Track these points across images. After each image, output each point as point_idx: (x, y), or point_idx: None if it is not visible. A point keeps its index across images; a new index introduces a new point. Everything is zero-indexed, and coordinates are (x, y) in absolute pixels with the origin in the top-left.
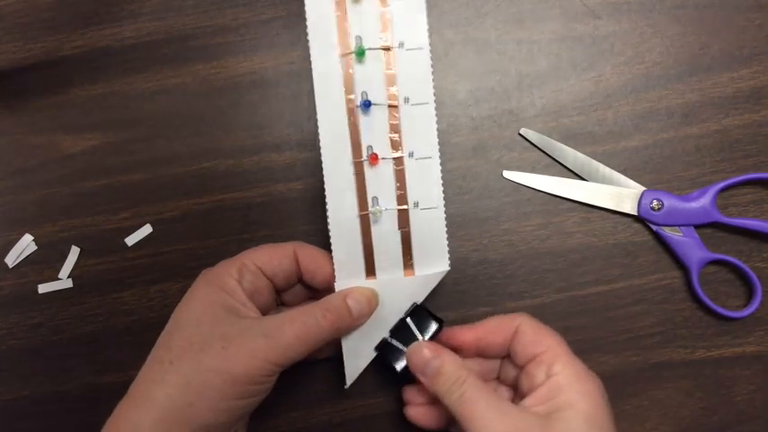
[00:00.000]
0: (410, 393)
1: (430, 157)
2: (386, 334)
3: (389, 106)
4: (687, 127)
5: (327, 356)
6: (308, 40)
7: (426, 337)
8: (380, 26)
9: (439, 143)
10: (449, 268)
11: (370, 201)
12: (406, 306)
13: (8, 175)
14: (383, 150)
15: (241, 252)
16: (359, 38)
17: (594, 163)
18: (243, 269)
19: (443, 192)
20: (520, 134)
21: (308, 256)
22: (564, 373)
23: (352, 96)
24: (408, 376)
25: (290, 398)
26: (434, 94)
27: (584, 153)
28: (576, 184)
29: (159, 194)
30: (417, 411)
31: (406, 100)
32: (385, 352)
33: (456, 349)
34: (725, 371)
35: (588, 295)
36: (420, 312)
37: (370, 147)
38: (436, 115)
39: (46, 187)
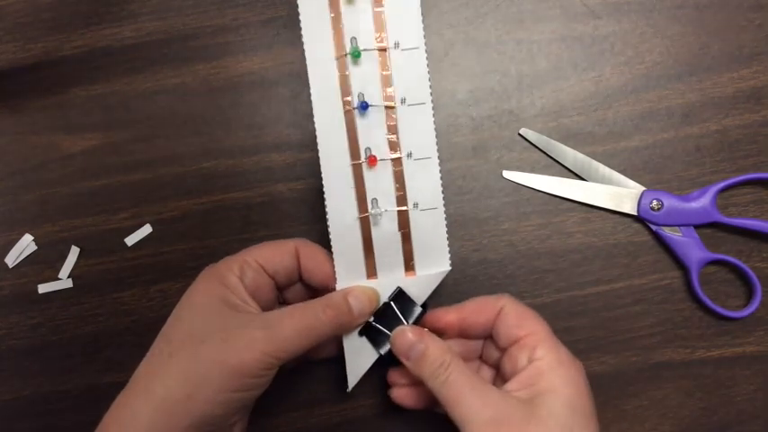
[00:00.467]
0: (394, 375)
1: (429, 158)
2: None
3: (386, 107)
4: (687, 127)
5: (328, 357)
6: (302, 43)
7: (410, 321)
8: (375, 27)
9: (439, 143)
10: (450, 268)
11: (369, 203)
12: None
13: (8, 175)
14: (382, 152)
15: (243, 250)
16: (354, 39)
17: (594, 163)
18: (244, 266)
19: (443, 192)
20: (520, 134)
21: (309, 254)
22: (546, 358)
23: (348, 98)
24: (393, 360)
25: (290, 398)
26: (434, 95)
27: (584, 153)
28: (575, 184)
29: (159, 194)
30: (401, 393)
31: (403, 101)
32: (369, 336)
33: (439, 331)
34: (725, 371)
35: (588, 295)
36: (404, 297)
37: (368, 149)
38: (436, 115)
39: (46, 187)
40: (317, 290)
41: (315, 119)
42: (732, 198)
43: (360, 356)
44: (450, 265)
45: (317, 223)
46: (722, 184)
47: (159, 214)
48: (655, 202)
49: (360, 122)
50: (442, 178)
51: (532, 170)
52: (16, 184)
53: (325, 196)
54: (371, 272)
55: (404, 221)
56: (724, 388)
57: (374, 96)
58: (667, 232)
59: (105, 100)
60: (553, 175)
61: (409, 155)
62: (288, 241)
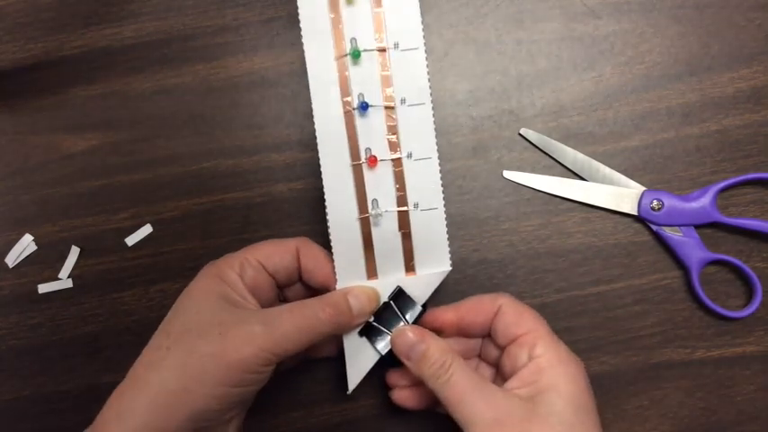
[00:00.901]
0: (394, 377)
1: (429, 158)
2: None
3: (386, 108)
4: (687, 127)
5: (327, 356)
6: (302, 44)
7: (411, 321)
8: (375, 27)
9: (439, 143)
10: (450, 268)
11: (369, 203)
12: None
13: (8, 175)
14: (382, 152)
15: (244, 248)
16: (354, 40)
17: (594, 163)
18: (245, 264)
19: (443, 192)
20: (520, 134)
21: (309, 254)
22: (546, 355)
23: (348, 99)
24: (394, 360)
25: (290, 398)
26: (434, 95)
27: (584, 153)
28: (576, 184)
29: (159, 194)
30: (402, 394)
31: (403, 101)
32: (369, 336)
33: (437, 330)
34: (725, 371)
35: (588, 295)
36: (404, 296)
37: (368, 149)
38: (436, 115)
39: (46, 187)
40: (316, 290)
41: (315, 119)
42: (732, 198)
43: (360, 357)
44: (451, 265)
45: (317, 223)
46: (722, 184)
47: (159, 214)
48: (655, 202)
49: (360, 123)
50: (441, 178)
51: (532, 170)
52: (16, 184)
53: (325, 197)
54: (372, 272)
55: (404, 222)
56: (724, 388)
57: (374, 97)
58: (668, 232)
59: (105, 100)
60: (553, 175)
61: (409, 155)
62: (289, 240)
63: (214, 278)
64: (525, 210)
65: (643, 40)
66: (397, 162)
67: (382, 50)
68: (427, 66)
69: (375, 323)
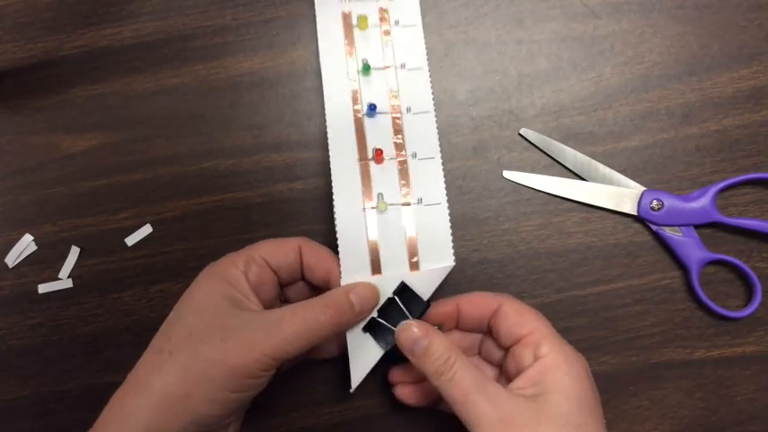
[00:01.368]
0: (397, 374)
1: (433, 158)
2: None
3: (393, 113)
4: (687, 127)
5: (329, 357)
6: (319, 64)
7: (415, 317)
8: (384, 51)
9: (439, 143)
10: (454, 263)
11: (375, 196)
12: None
13: (8, 175)
14: (388, 152)
15: (246, 247)
16: (365, 59)
17: (594, 163)
18: (249, 261)
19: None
20: (520, 134)
21: (311, 251)
22: (551, 355)
23: (358, 107)
24: (397, 356)
25: (290, 398)
26: (434, 95)
27: (584, 153)
28: (576, 184)
29: (159, 194)
30: (405, 391)
31: (408, 109)
32: (373, 332)
33: (438, 323)
34: (725, 371)
35: (588, 295)
36: (408, 292)
37: (374, 148)
38: (436, 116)
39: (46, 187)
40: (318, 288)
41: (327, 120)
42: (732, 198)
43: (364, 353)
44: (455, 260)
45: (317, 223)
46: (722, 184)
47: (159, 214)
48: (655, 202)
49: (368, 126)
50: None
51: (532, 170)
52: (16, 184)
53: (333, 189)
54: (376, 267)
55: (408, 216)
56: (724, 388)
57: (382, 106)
58: (667, 232)
59: (105, 100)
60: (553, 175)
61: (414, 155)
62: (291, 239)
63: (216, 278)
64: (525, 210)
65: (643, 40)
66: (402, 160)
67: (390, 69)
68: (429, 72)
69: (379, 319)
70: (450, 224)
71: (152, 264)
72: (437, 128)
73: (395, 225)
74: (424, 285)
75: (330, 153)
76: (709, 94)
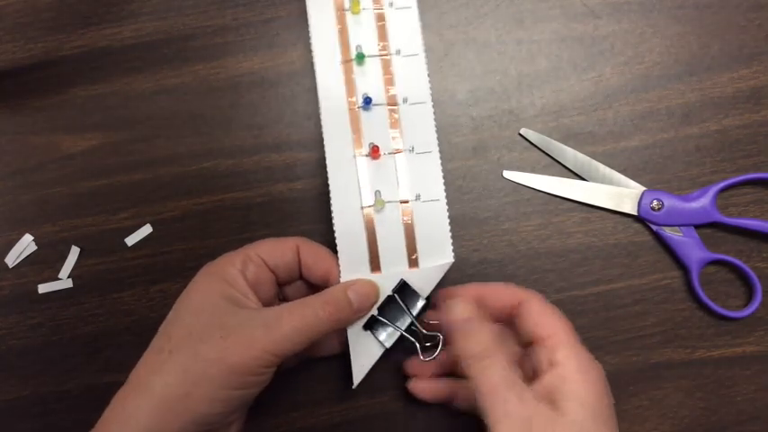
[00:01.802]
0: (414, 367)
1: (430, 152)
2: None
3: (389, 106)
4: (687, 127)
5: (330, 354)
6: (311, 50)
7: (414, 314)
8: (378, 36)
9: (439, 143)
10: (453, 260)
11: (373, 193)
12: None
13: (8, 175)
14: (384, 146)
15: (244, 246)
16: (359, 46)
17: (594, 163)
18: (246, 260)
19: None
20: (520, 134)
21: (309, 251)
22: (568, 361)
23: (353, 99)
24: (397, 353)
25: (290, 398)
26: (434, 95)
27: (584, 153)
28: (576, 184)
29: (159, 194)
30: (420, 385)
31: (405, 100)
32: (373, 330)
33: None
34: (725, 371)
35: (588, 295)
36: (408, 289)
37: (371, 143)
38: (436, 115)
39: (46, 187)
40: (317, 286)
41: (321, 115)
42: (732, 198)
43: (365, 351)
44: (454, 257)
45: (317, 223)
46: (722, 184)
47: (159, 214)
48: (655, 202)
49: (364, 119)
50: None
51: (532, 170)
52: (16, 184)
53: (330, 188)
54: (375, 265)
55: (406, 213)
56: (724, 388)
57: (377, 96)
58: (667, 232)
59: (105, 100)
60: (553, 175)
61: (411, 149)
62: (288, 239)
63: (214, 277)
64: (525, 210)
65: (643, 40)
66: (399, 155)
67: (385, 56)
68: (427, 67)
69: (379, 316)
70: (449, 221)
71: (152, 264)
72: (437, 125)
73: (393, 222)
74: (423, 283)
75: (326, 149)
76: (709, 94)
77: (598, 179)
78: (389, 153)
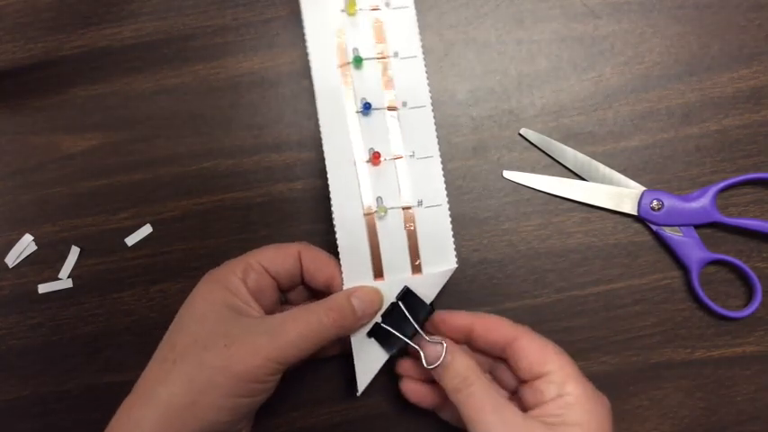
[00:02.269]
0: (405, 366)
1: (431, 156)
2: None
3: (389, 110)
4: (687, 127)
5: (332, 355)
6: (308, 54)
7: (419, 321)
8: (375, 38)
9: (439, 143)
10: (456, 266)
11: (374, 200)
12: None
13: (8, 175)
14: (385, 152)
15: (245, 253)
16: (356, 49)
17: (594, 163)
18: (247, 268)
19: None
20: (520, 134)
21: (311, 257)
22: (575, 392)
23: (351, 105)
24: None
25: (290, 398)
26: (434, 95)
27: (584, 153)
28: (576, 184)
29: (159, 194)
30: (411, 387)
31: (404, 104)
32: (377, 337)
33: (447, 333)
34: (725, 371)
35: (588, 295)
36: (411, 296)
37: (371, 149)
38: (436, 115)
39: (46, 187)
40: (319, 291)
41: (320, 123)
42: (732, 198)
43: (369, 359)
44: (457, 262)
45: (317, 223)
46: (722, 184)
47: (159, 214)
48: (655, 202)
49: (363, 124)
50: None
51: (532, 170)
52: (16, 184)
53: (330, 195)
54: (378, 272)
55: (409, 219)
56: (724, 388)
57: (376, 100)
58: (667, 232)
59: (105, 100)
60: (553, 175)
61: (412, 154)
62: (290, 245)
63: (217, 285)
64: (525, 210)
65: (643, 40)
66: (400, 161)
67: (383, 58)
68: (426, 69)
69: (383, 324)
70: (451, 226)
71: (152, 264)
72: (437, 125)
73: (395, 228)
74: (427, 289)
75: (326, 157)
76: (709, 94)
77: (598, 179)
78: (390, 159)
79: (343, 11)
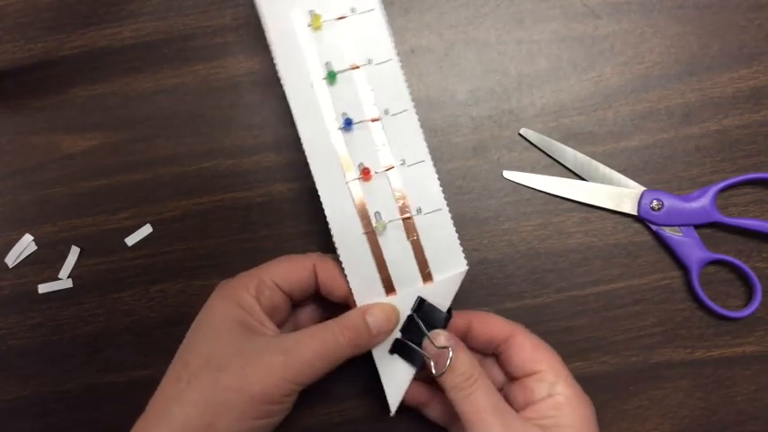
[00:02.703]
0: None
1: (422, 161)
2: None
3: (372, 121)
4: (687, 127)
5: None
6: (280, 79)
7: (440, 328)
8: (345, 49)
9: (439, 143)
10: (467, 267)
11: (372, 217)
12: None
13: (8, 175)
14: (375, 165)
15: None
16: (328, 63)
17: (594, 163)
18: (261, 285)
19: (443, 192)
20: (520, 134)
21: (327, 271)
22: (565, 393)
23: (333, 119)
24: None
25: None
26: (434, 95)
27: (584, 153)
28: (576, 184)
29: (159, 194)
30: None
31: (386, 111)
32: (400, 353)
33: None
34: (725, 371)
35: (588, 295)
36: (427, 306)
37: (360, 164)
38: (436, 115)
39: (46, 187)
40: (331, 305)
41: (303, 145)
42: (732, 198)
43: (396, 376)
44: (467, 264)
45: (317, 223)
46: (722, 184)
47: (159, 214)
48: (655, 202)
49: (348, 140)
50: (441, 179)
51: (532, 170)
52: (16, 184)
53: (327, 219)
54: (389, 287)
55: (410, 229)
56: (724, 388)
57: (357, 113)
58: (667, 232)
59: (105, 100)
60: (553, 175)
61: (403, 162)
62: (305, 258)
63: (230, 303)
64: (525, 210)
65: (643, 40)
66: (391, 171)
67: (357, 68)
68: (426, 69)
69: (404, 339)
70: (455, 227)
71: (152, 264)
72: (436, 126)
73: (399, 241)
74: (441, 296)
75: (315, 179)
76: (709, 94)
77: (598, 179)
78: (382, 171)
79: (309, 25)
